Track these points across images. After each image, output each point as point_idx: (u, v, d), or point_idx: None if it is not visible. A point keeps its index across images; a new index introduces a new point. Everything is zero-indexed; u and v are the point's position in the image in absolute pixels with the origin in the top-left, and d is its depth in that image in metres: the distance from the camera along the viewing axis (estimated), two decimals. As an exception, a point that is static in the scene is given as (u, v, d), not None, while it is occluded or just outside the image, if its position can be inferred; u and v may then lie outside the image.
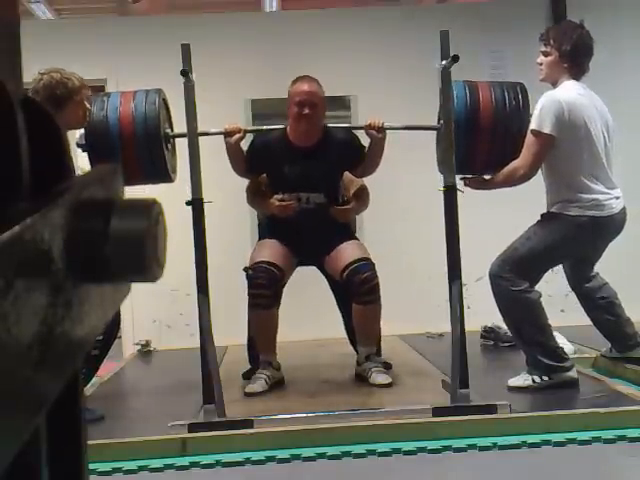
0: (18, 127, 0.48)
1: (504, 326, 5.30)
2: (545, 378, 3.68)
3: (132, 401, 4.02)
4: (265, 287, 3.93)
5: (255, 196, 4.24)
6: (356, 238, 4.22)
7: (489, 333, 5.20)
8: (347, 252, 3.98)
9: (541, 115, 3.66)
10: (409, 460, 3.02)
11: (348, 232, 4.22)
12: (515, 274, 3.72)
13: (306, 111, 3.90)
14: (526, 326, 3.72)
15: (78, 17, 6.78)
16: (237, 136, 3.92)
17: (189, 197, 3.57)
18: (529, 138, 3.70)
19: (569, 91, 3.73)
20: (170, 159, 3.90)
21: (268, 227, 4.30)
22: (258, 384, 3.86)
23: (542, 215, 3.84)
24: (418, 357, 4.79)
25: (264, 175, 4.19)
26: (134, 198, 0.53)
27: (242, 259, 5.80)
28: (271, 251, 4.01)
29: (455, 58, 3.60)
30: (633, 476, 2.87)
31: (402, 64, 5.71)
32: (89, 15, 6.75)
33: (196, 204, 3.55)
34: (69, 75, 3.56)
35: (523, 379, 3.72)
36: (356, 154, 4.07)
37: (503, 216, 5.80)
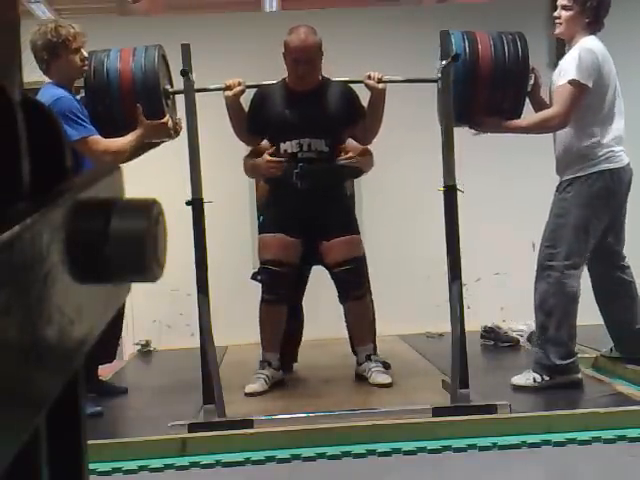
0: (18, 127, 0.48)
1: (504, 326, 5.33)
2: (546, 378, 3.67)
3: (132, 401, 4.02)
4: (273, 286, 3.97)
5: (250, 161, 4.14)
6: (356, 228, 4.11)
7: (489, 333, 5.20)
8: (344, 248, 3.95)
9: (580, 66, 3.64)
10: (409, 460, 3.02)
11: (350, 217, 4.14)
12: (566, 257, 3.68)
13: (302, 67, 3.88)
14: (558, 321, 3.69)
15: (78, 17, 6.78)
16: (238, 89, 3.86)
17: (189, 197, 3.57)
18: (566, 88, 3.66)
19: (598, 43, 3.73)
20: (170, 114, 3.87)
21: (268, 207, 4.20)
22: (258, 384, 3.87)
23: (558, 186, 3.80)
24: (418, 357, 4.79)
25: (264, 142, 4.10)
26: (134, 198, 0.54)
27: (242, 259, 5.82)
28: (274, 247, 3.97)
29: (455, 58, 3.60)
30: (633, 476, 2.87)
31: (402, 64, 5.71)
32: (89, 15, 6.74)
33: (196, 204, 3.55)
34: (64, 24, 3.64)
35: (525, 378, 3.72)
36: (355, 106, 4.02)
37: (503, 216, 5.81)
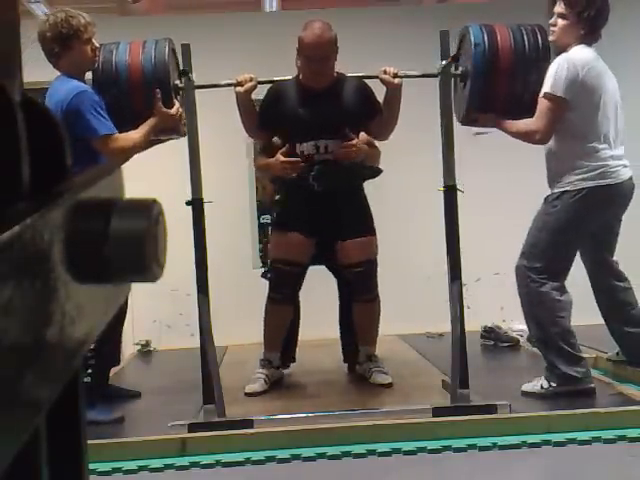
0: (18, 127, 0.48)
1: (504, 326, 5.33)
2: (554, 385, 3.58)
3: (132, 401, 4.01)
4: (280, 285, 3.94)
5: (263, 160, 4.03)
6: (372, 228, 3.98)
7: (489, 333, 5.21)
8: (358, 249, 3.87)
9: (555, 77, 3.53)
10: (409, 460, 3.02)
11: (366, 217, 3.98)
12: (543, 271, 3.60)
13: (316, 65, 3.78)
14: (550, 328, 3.59)
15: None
16: (249, 84, 3.77)
17: (189, 197, 3.57)
18: (542, 102, 3.56)
19: (584, 53, 3.60)
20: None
21: (283, 204, 4.08)
22: (258, 384, 3.86)
23: (546, 198, 3.69)
24: (418, 357, 4.79)
25: (276, 139, 3.99)
26: (134, 198, 0.54)
27: (242, 259, 5.82)
28: (286, 246, 3.90)
29: (455, 58, 3.59)
30: (633, 476, 2.87)
31: (402, 64, 5.71)
32: (89, 15, 6.74)
33: (196, 204, 3.55)
34: (74, 14, 3.52)
35: (533, 384, 3.64)
36: (371, 102, 3.91)
37: (504, 216, 5.80)
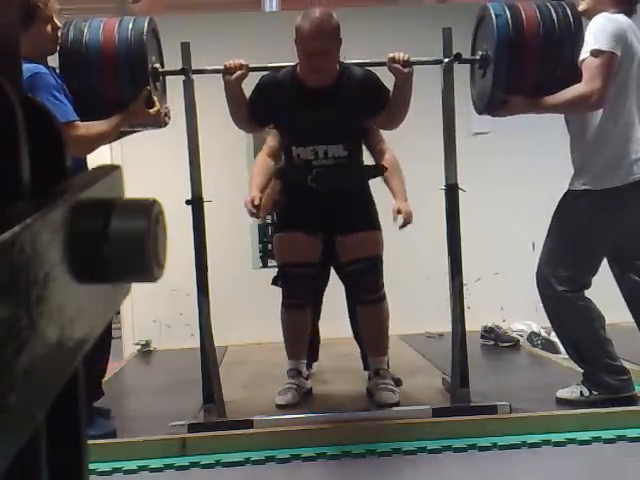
0: (18, 127, 0.48)
1: (504, 326, 5.33)
2: (595, 392, 3.40)
3: (132, 401, 4.02)
4: (295, 289, 3.66)
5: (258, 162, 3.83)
6: (376, 224, 3.69)
7: (489, 333, 5.21)
8: (358, 245, 3.57)
9: (597, 33, 3.19)
10: (409, 460, 3.02)
11: (369, 211, 3.67)
12: (571, 280, 3.34)
13: (316, 60, 3.38)
14: (586, 342, 3.38)
15: (78, 17, 6.76)
16: (239, 73, 3.44)
17: (189, 197, 3.57)
18: (590, 62, 3.19)
19: (624, 17, 3.27)
20: (160, 100, 3.47)
21: (283, 204, 3.81)
22: (290, 395, 3.62)
23: (566, 195, 3.39)
24: (418, 357, 4.80)
25: (274, 140, 3.70)
26: (134, 198, 0.54)
27: (242, 259, 5.82)
28: (292, 248, 3.61)
29: (458, 56, 3.57)
30: (633, 476, 2.87)
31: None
32: (89, 15, 6.74)
33: (196, 204, 3.54)
34: None
35: (571, 391, 3.45)
36: (378, 94, 3.52)
37: (504, 216, 5.81)
